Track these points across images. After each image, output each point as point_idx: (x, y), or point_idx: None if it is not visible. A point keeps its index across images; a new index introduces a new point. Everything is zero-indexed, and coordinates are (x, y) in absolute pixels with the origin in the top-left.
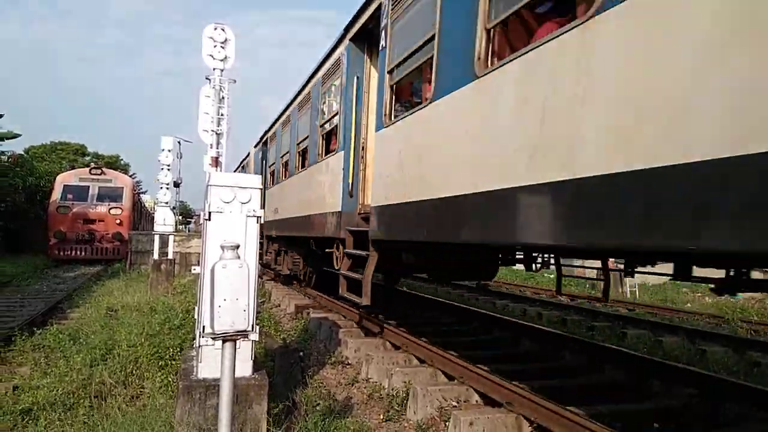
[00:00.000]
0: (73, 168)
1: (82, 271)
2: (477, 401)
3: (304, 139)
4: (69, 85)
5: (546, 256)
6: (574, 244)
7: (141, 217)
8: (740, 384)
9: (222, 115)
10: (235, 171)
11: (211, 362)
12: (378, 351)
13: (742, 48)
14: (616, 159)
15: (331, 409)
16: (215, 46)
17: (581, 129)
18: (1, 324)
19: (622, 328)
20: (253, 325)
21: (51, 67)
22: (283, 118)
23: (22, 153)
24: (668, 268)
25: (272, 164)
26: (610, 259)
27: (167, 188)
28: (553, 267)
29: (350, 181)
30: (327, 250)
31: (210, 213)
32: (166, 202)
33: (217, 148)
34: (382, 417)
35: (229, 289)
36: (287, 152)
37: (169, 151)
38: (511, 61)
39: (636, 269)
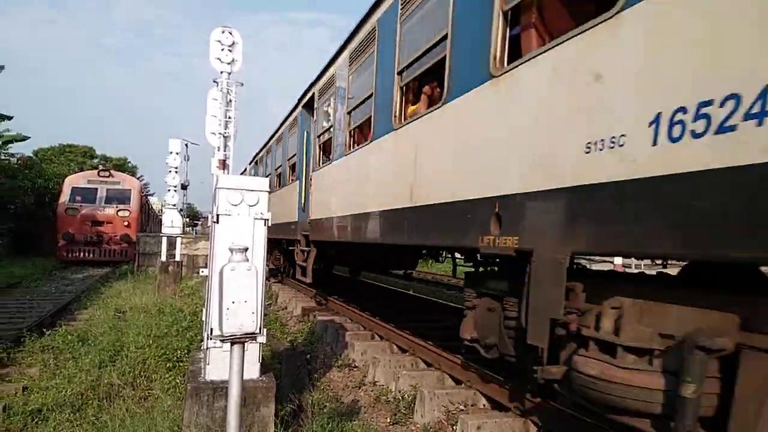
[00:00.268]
0: (81, 170)
1: (90, 273)
2: (485, 405)
3: (279, 167)
4: (78, 87)
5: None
6: (415, 242)
7: (149, 219)
8: None
9: (229, 117)
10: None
11: (218, 364)
12: (385, 354)
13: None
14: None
15: (338, 411)
16: (222, 49)
17: (417, 179)
18: (10, 325)
19: None
20: (260, 328)
21: (59, 70)
22: (268, 146)
23: (31, 155)
24: None
25: None
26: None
27: (175, 190)
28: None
29: (303, 201)
30: (290, 248)
31: (218, 215)
32: (174, 205)
33: (225, 151)
34: (389, 420)
35: (238, 291)
36: (269, 174)
37: (177, 153)
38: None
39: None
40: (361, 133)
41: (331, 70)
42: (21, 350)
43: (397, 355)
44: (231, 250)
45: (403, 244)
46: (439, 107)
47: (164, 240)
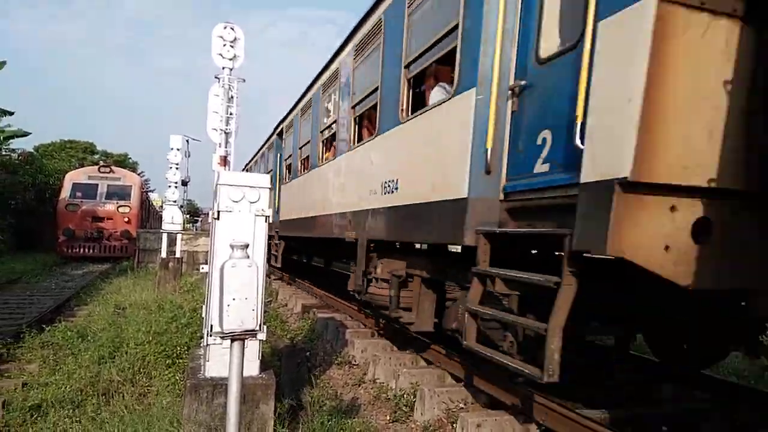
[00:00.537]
0: (82, 166)
1: (91, 269)
2: (485, 403)
3: (268, 172)
4: (79, 83)
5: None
6: (322, 235)
7: (149, 215)
8: None
9: (231, 114)
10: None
11: (218, 361)
12: (385, 351)
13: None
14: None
15: (338, 409)
16: (224, 45)
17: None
18: (10, 321)
19: None
20: (260, 325)
21: (62, 66)
22: (258, 155)
23: (32, 151)
24: None
25: None
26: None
27: (175, 186)
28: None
29: (277, 204)
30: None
31: (219, 212)
32: (174, 201)
33: (226, 147)
34: (388, 418)
35: (238, 288)
36: None
37: (178, 149)
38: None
39: None
40: (307, 162)
41: (291, 117)
42: (21, 346)
43: (398, 353)
44: (232, 247)
45: (321, 237)
46: (331, 160)
47: (164, 236)
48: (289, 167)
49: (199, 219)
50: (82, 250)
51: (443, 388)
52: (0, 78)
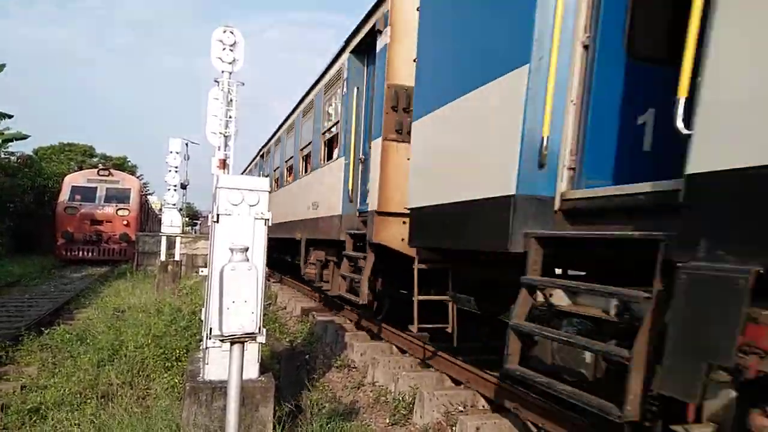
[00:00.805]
0: (81, 169)
1: (89, 272)
2: (484, 406)
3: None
4: (78, 86)
5: None
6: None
7: (148, 218)
8: None
9: (230, 117)
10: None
11: (217, 364)
12: (384, 355)
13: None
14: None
15: (337, 412)
16: (224, 49)
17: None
18: (8, 324)
19: None
20: (260, 328)
21: (60, 68)
22: (248, 168)
23: (31, 154)
24: None
25: None
26: None
27: (174, 190)
28: None
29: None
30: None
31: (218, 215)
32: (173, 204)
33: (225, 151)
34: (388, 421)
35: (238, 291)
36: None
37: (177, 152)
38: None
39: None
40: (278, 182)
41: (268, 146)
42: (19, 349)
43: (397, 356)
44: (231, 250)
45: (284, 237)
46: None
47: (163, 239)
48: (276, 181)
49: (198, 222)
50: (80, 253)
51: (442, 391)
52: None
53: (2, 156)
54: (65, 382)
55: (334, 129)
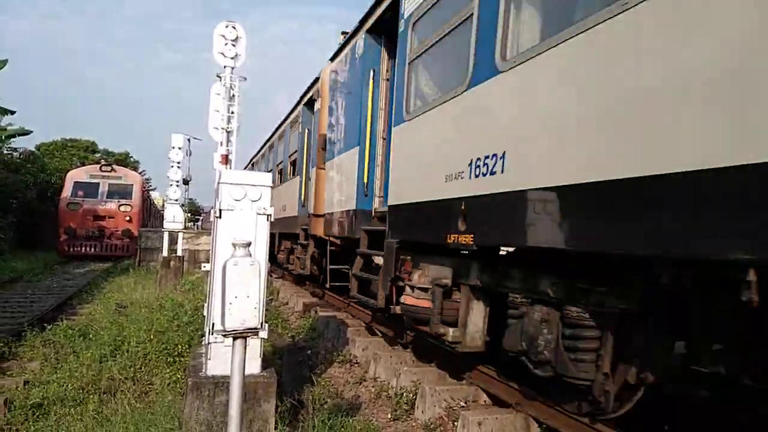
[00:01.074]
0: (83, 165)
1: (92, 268)
2: (486, 401)
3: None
4: (80, 82)
5: None
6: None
7: (150, 214)
8: None
9: (232, 112)
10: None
11: (220, 359)
12: (386, 350)
13: None
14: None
15: (339, 407)
16: (226, 44)
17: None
18: (11, 319)
19: None
20: (262, 323)
21: (63, 64)
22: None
23: (34, 150)
24: None
25: None
26: None
27: (177, 185)
28: None
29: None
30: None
31: (221, 210)
32: (176, 200)
33: (227, 146)
34: (389, 416)
35: (241, 286)
36: None
37: (179, 148)
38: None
39: None
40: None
41: (258, 156)
42: (22, 344)
43: (399, 351)
44: (234, 245)
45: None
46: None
47: (166, 235)
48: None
49: (201, 218)
50: (83, 248)
51: (444, 386)
52: (1, 76)
53: (5, 152)
54: (68, 377)
55: (294, 155)
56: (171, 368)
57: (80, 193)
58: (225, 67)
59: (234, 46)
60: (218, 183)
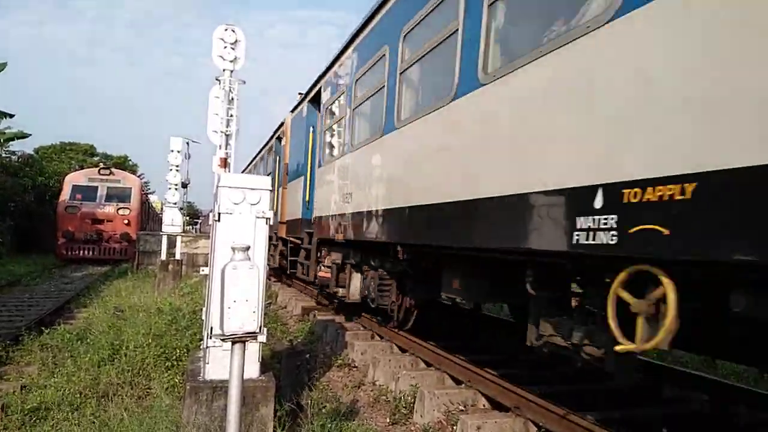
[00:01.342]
0: (82, 168)
1: (90, 271)
2: (485, 405)
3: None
4: (79, 85)
5: None
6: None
7: (149, 217)
8: None
9: (231, 116)
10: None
11: (218, 363)
12: (385, 354)
13: None
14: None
15: (338, 411)
16: (225, 47)
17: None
18: (9, 323)
19: None
20: (261, 327)
21: (62, 68)
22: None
23: (32, 153)
24: None
25: None
26: None
27: (175, 189)
28: None
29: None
30: None
31: (219, 214)
32: (174, 203)
33: (227, 149)
34: (388, 420)
35: (240, 290)
36: None
37: (178, 152)
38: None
39: None
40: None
41: (256, 159)
42: (19, 349)
43: (397, 355)
44: (233, 249)
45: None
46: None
47: (164, 238)
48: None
49: (199, 221)
50: (81, 252)
51: (443, 390)
52: (0, 80)
53: (3, 155)
54: (65, 381)
55: (271, 174)
56: (169, 372)
57: (78, 196)
58: (224, 70)
59: (233, 49)
60: (217, 186)
